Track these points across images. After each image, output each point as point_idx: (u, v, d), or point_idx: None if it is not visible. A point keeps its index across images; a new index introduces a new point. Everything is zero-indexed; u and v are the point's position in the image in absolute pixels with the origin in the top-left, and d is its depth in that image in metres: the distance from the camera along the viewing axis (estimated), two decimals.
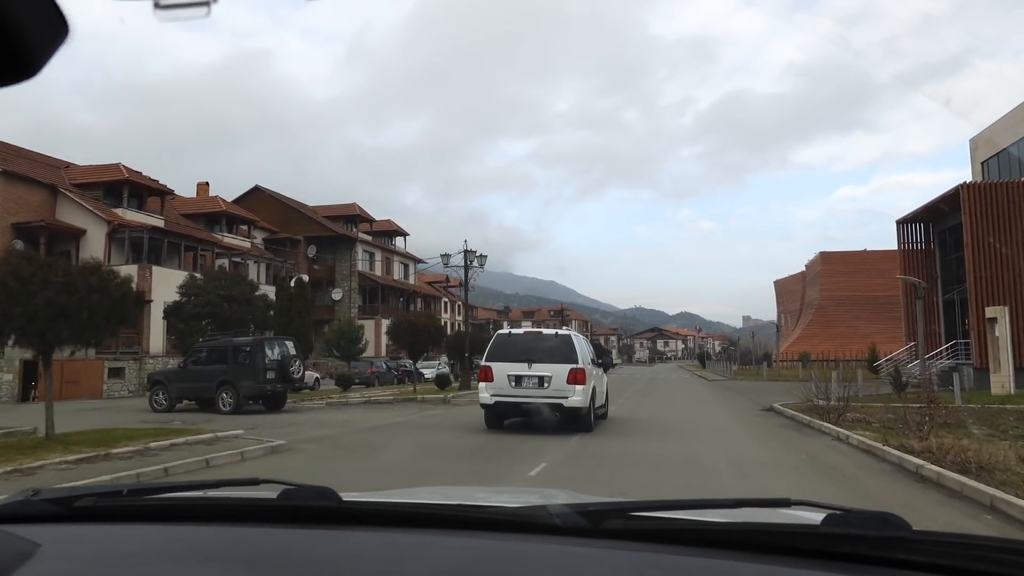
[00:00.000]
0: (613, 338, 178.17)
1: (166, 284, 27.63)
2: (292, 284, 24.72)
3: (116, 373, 28.33)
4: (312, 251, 52.15)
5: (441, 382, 24.96)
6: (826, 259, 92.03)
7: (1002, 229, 28.79)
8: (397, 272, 60.63)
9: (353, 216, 55.11)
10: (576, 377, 12.67)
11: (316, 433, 13.66)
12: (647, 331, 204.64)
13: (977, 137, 36.78)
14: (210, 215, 39.84)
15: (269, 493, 1.38)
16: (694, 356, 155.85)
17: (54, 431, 11.13)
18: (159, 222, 33.21)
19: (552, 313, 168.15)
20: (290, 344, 18.64)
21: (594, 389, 13.44)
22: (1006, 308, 26.90)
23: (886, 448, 10.09)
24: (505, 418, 13.57)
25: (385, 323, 54.12)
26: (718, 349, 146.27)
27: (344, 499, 1.32)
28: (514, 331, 14.82)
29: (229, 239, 39.56)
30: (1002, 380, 24.95)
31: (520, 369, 12.83)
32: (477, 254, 26.76)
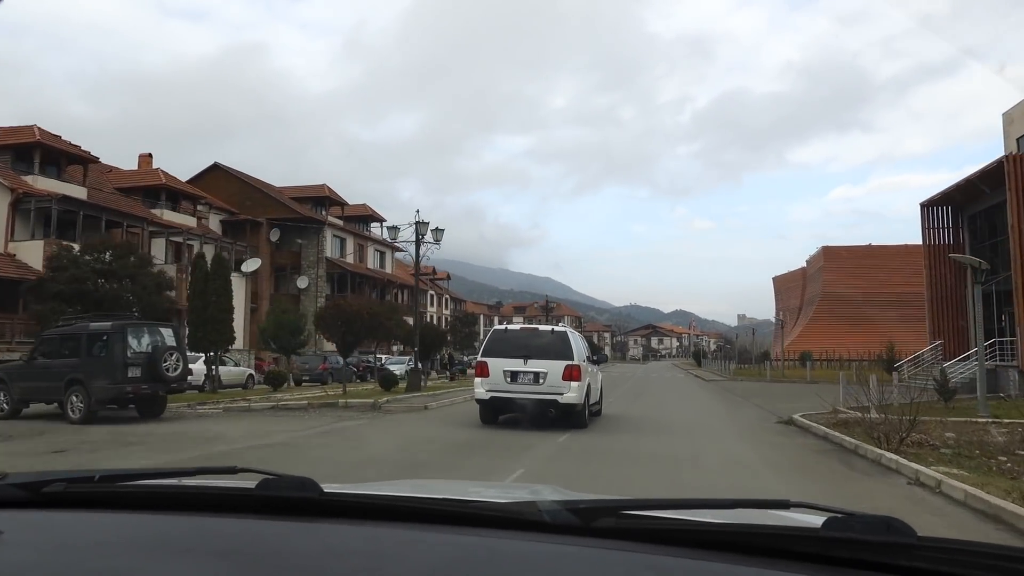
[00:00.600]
0: (607, 335, 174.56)
1: None
2: (209, 262, 20.33)
3: None
4: (275, 235, 47.78)
5: (386, 382, 20.77)
6: (828, 254, 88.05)
7: None
8: (372, 260, 56.29)
9: (323, 198, 50.71)
10: (571, 374, 12.66)
11: (146, 460, 9.41)
12: (641, 328, 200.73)
13: (1011, 111, 32.58)
14: (149, 189, 35.37)
15: (247, 482, 1.34)
16: (689, 354, 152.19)
17: None
18: (79, 192, 28.83)
19: (538, 307, 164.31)
20: (167, 332, 14.40)
21: (589, 386, 13.45)
22: None
23: None
24: (500, 413, 13.46)
25: None
26: (713, 347, 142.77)
27: (325, 490, 1.29)
28: (510, 327, 14.79)
29: (171, 216, 35.17)
30: None
31: (516, 365, 12.82)
32: (431, 227, 22.55)
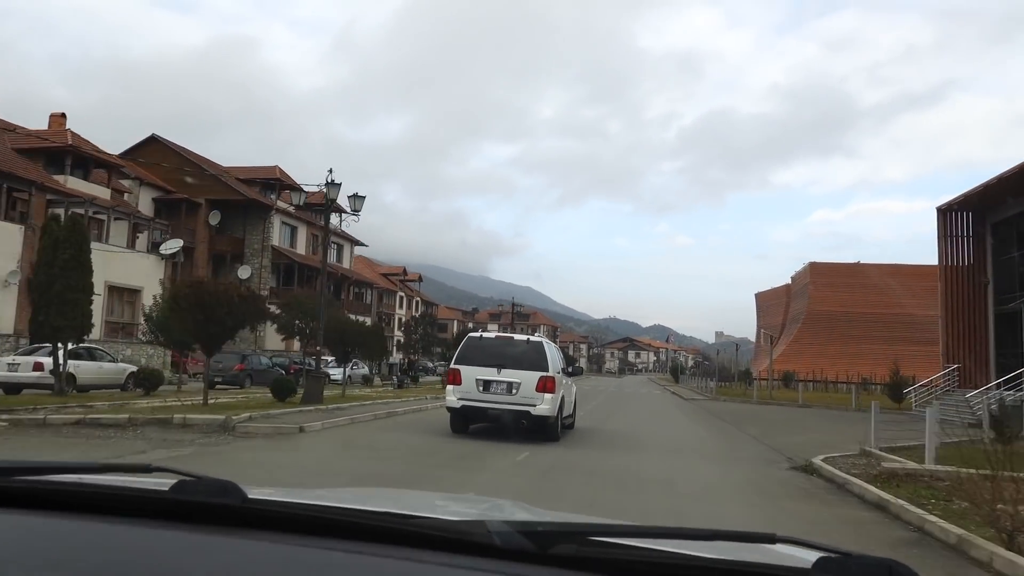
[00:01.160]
0: (583, 346, 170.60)
1: None
2: (65, 224, 15.67)
3: None
4: (216, 218, 42.92)
5: (280, 389, 16.12)
6: (815, 270, 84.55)
7: None
8: (329, 253, 51.49)
9: (273, 181, 45.90)
10: (546, 385, 12.42)
11: None
12: (619, 341, 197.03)
13: None
14: (53, 152, 30.39)
15: (161, 483, 1.21)
16: (666, 369, 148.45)
17: None
18: None
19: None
20: None
21: (563, 398, 13.28)
22: None
23: None
24: (471, 423, 13.28)
25: None
26: (691, 363, 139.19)
27: (249, 496, 1.15)
28: (485, 334, 14.53)
29: (76, 185, 30.26)
30: None
31: (489, 374, 12.57)
32: (337, 183, 17.98)
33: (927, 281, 76.60)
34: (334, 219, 54.65)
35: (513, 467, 9.81)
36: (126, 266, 29.87)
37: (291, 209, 47.43)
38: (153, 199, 41.06)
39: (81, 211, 28.32)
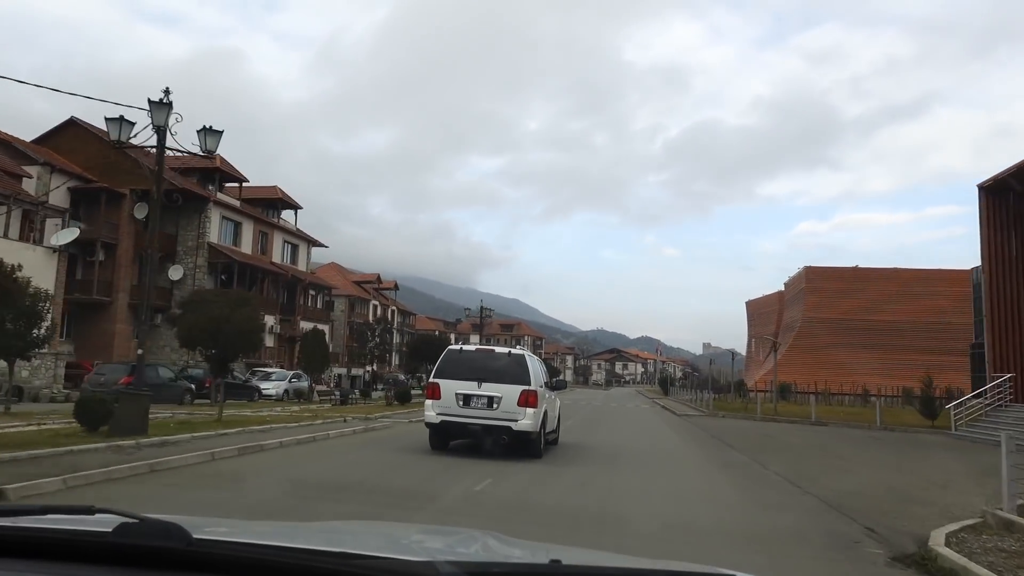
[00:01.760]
0: (569, 358, 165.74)
1: None
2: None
3: None
4: (142, 210, 37.63)
5: (88, 415, 10.79)
6: (811, 275, 79.93)
7: None
8: (281, 253, 46.32)
9: (211, 171, 40.68)
10: (528, 399, 12.07)
11: None
12: (605, 352, 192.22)
13: None
14: None
15: (103, 527, 1.16)
16: (654, 380, 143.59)
17: None
18: None
19: (499, 326, 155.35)
20: None
21: (546, 413, 12.89)
22: None
23: None
24: (451, 439, 12.80)
25: None
26: (679, 374, 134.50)
27: (195, 538, 1.12)
28: (465, 347, 13.93)
29: None
30: None
31: (469, 388, 12.19)
32: (174, 115, 12.92)
33: (930, 286, 72.68)
34: (289, 216, 49.60)
35: (463, 502, 8.08)
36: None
37: (235, 203, 42.33)
38: (69, 189, 35.83)
39: None
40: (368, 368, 45.39)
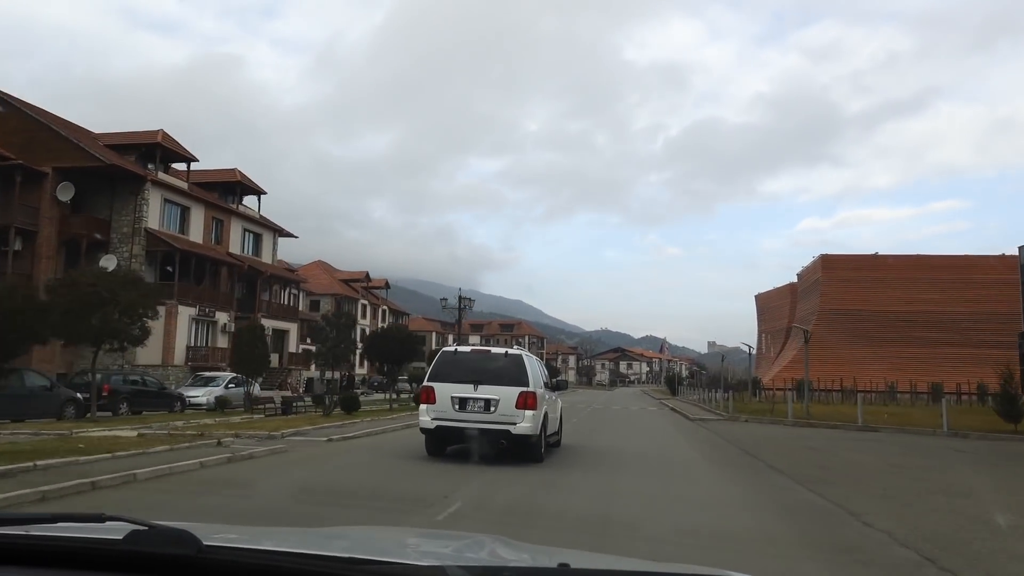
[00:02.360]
0: (571, 358, 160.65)
1: None
2: None
3: None
4: (68, 192, 32.68)
5: None
6: (828, 264, 74.39)
7: None
8: (240, 243, 41.24)
9: (152, 146, 35.57)
10: (526, 401, 11.55)
11: None
12: (609, 351, 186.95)
13: None
14: None
15: (114, 534, 1.16)
16: (660, 380, 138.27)
17: None
18: None
19: (498, 326, 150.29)
20: None
21: (546, 415, 12.37)
22: None
23: None
24: (447, 444, 12.35)
25: (188, 311, 34.84)
26: (685, 373, 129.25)
27: (205, 545, 1.13)
28: (460, 348, 13.41)
29: None
30: None
31: (465, 391, 11.74)
32: None
33: (966, 273, 67.39)
34: (251, 202, 44.44)
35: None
36: None
37: (182, 185, 37.28)
38: None
39: None
40: (335, 371, 40.23)
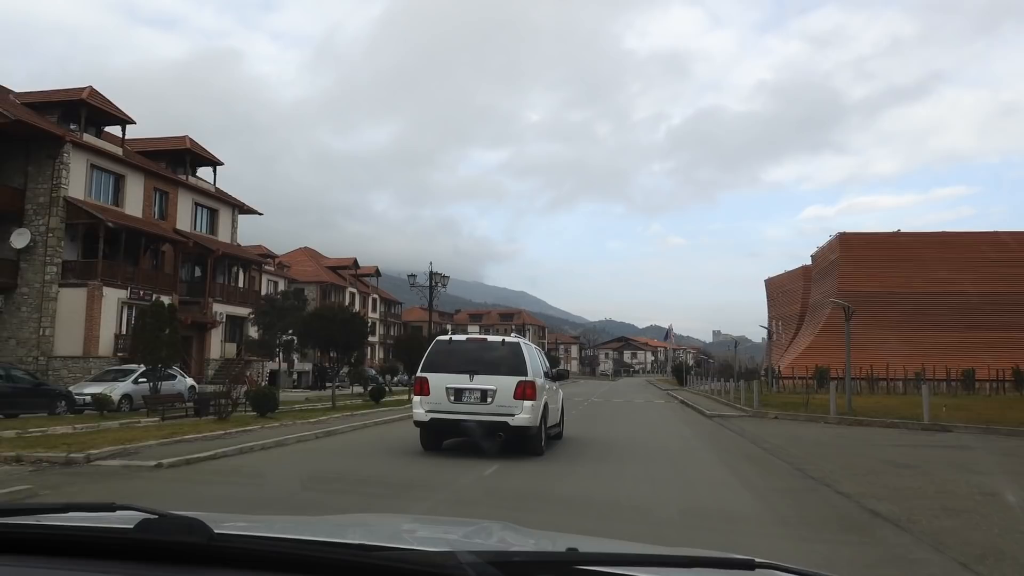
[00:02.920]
0: (574, 348, 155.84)
1: None
2: None
3: None
4: None
5: None
6: (847, 243, 68.85)
7: None
8: (192, 219, 36.31)
9: (76, 104, 30.62)
10: (524, 391, 11.21)
11: None
12: (613, 340, 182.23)
13: None
14: None
15: (125, 523, 1.17)
16: (665, 370, 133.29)
17: None
18: None
19: (498, 315, 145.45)
20: None
21: (546, 405, 11.96)
22: None
23: None
24: (443, 438, 12.00)
25: (117, 294, 29.99)
26: (692, 362, 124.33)
27: (217, 532, 1.13)
28: (455, 337, 12.63)
29: None
30: None
31: (461, 381, 11.36)
32: None
33: (1007, 251, 62.38)
34: (206, 174, 39.46)
35: None
36: None
37: (116, 151, 32.37)
38: None
39: None
40: (284, 361, 35.41)
